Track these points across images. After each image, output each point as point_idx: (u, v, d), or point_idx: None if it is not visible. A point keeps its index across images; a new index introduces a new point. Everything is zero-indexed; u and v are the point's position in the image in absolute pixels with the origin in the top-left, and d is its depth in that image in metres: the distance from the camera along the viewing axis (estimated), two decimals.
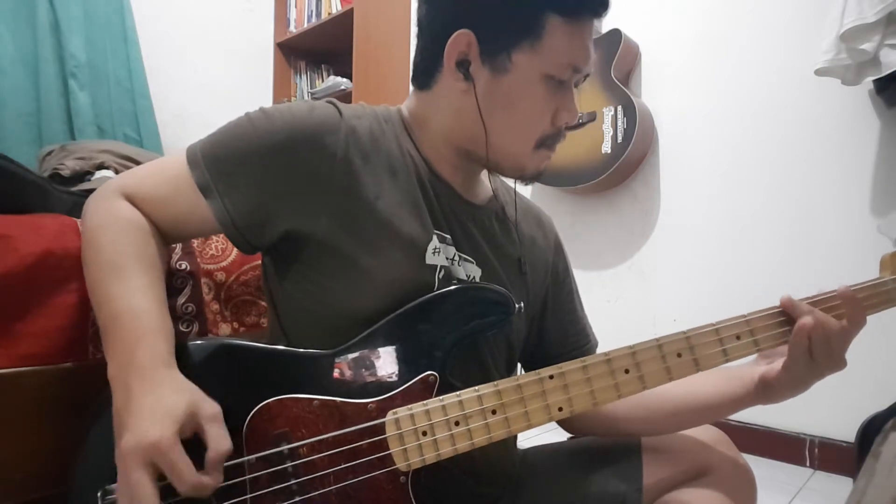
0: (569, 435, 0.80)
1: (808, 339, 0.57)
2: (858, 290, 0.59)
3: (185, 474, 0.47)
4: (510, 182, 0.73)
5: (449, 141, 0.68)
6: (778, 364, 0.61)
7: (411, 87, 0.71)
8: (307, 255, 0.62)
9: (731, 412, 0.68)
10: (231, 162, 0.60)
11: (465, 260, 0.67)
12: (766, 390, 0.63)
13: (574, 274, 0.85)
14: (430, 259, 0.63)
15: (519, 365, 0.79)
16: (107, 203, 0.60)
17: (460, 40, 0.62)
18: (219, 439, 0.50)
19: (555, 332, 0.79)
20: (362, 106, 0.67)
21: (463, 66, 0.63)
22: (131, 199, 0.61)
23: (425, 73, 0.67)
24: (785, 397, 0.63)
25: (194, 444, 0.49)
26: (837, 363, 0.59)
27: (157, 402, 0.49)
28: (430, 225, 0.64)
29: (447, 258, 0.65)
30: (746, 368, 0.67)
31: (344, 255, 0.61)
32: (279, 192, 0.60)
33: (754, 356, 0.65)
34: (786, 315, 0.59)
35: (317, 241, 0.61)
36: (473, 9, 0.62)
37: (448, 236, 0.66)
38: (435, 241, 0.64)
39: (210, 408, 0.51)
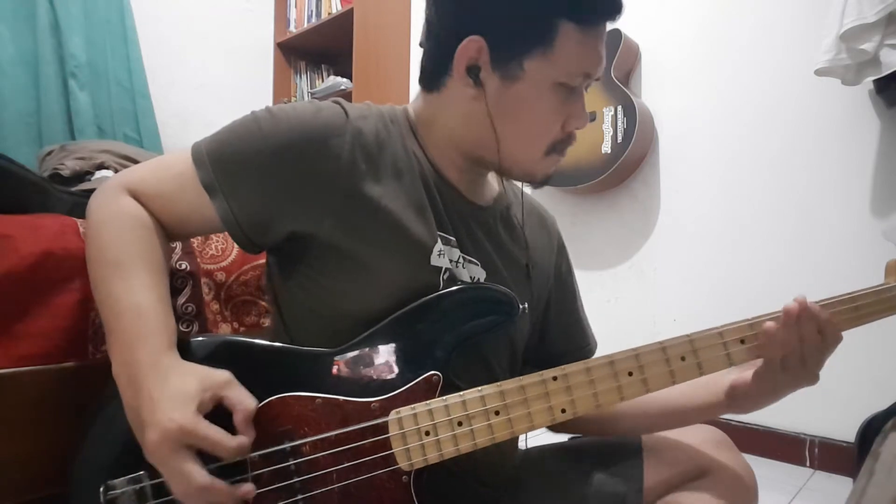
0: (568, 435, 0.81)
1: (780, 348, 0.56)
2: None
3: (224, 441, 0.48)
4: (517, 183, 0.73)
5: (457, 145, 0.67)
6: (749, 373, 0.61)
7: (418, 88, 0.70)
8: (312, 256, 0.62)
9: (699, 419, 0.69)
10: (236, 162, 0.60)
11: (470, 262, 0.67)
12: (737, 399, 0.63)
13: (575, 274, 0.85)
14: (435, 261, 0.63)
15: None
16: (111, 199, 0.60)
17: (470, 46, 0.60)
18: (241, 399, 0.51)
19: (556, 332, 0.80)
20: (368, 106, 0.67)
21: (473, 71, 0.61)
22: (135, 196, 0.60)
23: (433, 76, 0.65)
24: (756, 406, 0.63)
25: (216, 417, 0.50)
26: (809, 376, 0.58)
27: (168, 390, 0.49)
28: (434, 227, 0.64)
29: (451, 260, 0.65)
30: (718, 376, 0.65)
31: (348, 256, 0.60)
32: (283, 193, 0.60)
33: None
34: None
35: (321, 243, 0.61)
36: (485, 15, 0.60)
37: (452, 238, 0.66)
38: (439, 244, 0.63)
39: (221, 375, 0.52)
